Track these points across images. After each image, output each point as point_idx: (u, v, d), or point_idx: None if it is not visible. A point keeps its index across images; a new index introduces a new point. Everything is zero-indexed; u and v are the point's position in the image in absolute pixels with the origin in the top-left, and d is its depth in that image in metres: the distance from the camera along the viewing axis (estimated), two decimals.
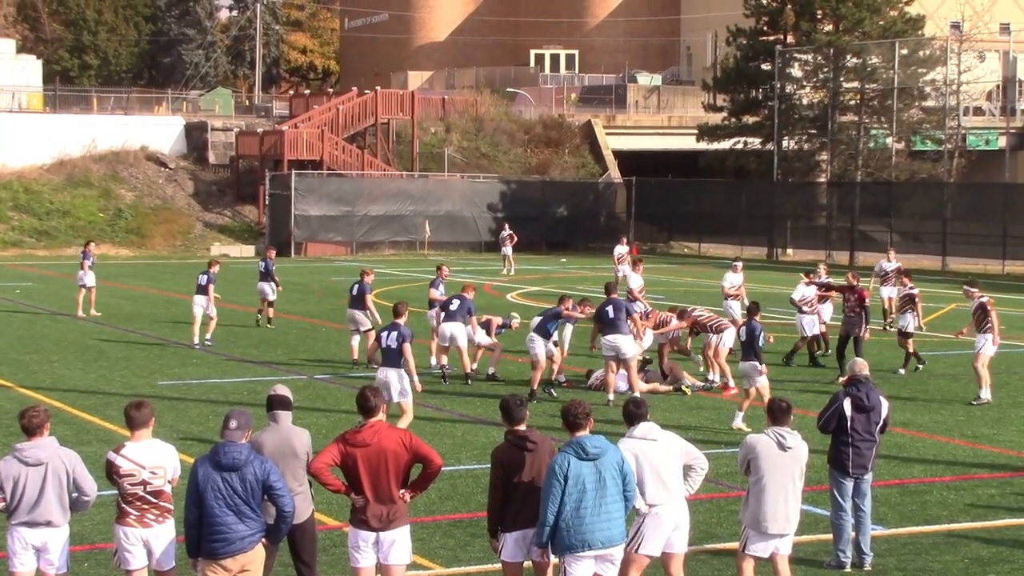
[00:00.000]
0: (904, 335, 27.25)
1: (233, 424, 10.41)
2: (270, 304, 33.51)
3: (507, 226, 56.77)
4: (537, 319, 23.75)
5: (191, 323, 30.23)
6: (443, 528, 14.68)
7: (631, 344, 22.31)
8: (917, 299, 27.52)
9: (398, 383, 19.03)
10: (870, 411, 13.36)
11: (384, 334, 19.45)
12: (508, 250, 54.01)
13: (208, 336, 29.98)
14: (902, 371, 26.99)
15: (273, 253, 35.28)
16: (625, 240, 45.03)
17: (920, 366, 27.17)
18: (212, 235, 64.95)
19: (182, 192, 67.17)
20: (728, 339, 23.95)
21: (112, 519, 10.95)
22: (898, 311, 27.92)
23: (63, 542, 10.73)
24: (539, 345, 23.03)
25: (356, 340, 27.09)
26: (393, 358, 19.15)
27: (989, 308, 23.50)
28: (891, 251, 38.38)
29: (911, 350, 27.20)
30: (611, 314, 22.23)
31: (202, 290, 30.11)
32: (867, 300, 26.54)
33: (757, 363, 20.42)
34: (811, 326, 27.57)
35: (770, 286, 46.07)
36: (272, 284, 33.28)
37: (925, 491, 16.78)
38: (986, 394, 23.30)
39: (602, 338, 22.39)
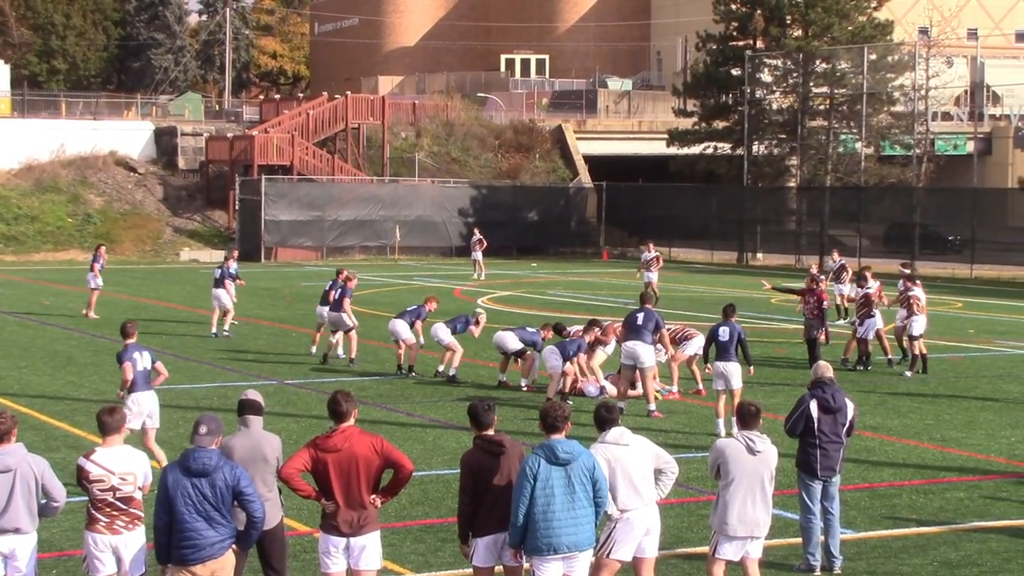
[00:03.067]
0: (911, 337, 27.37)
1: (203, 430, 10.38)
2: (225, 313, 32.97)
3: (477, 231, 56.80)
4: (554, 345, 23.35)
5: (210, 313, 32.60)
6: (414, 533, 14.66)
7: (651, 354, 22.10)
8: (913, 300, 27.59)
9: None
10: (836, 412, 13.42)
11: None
12: (478, 255, 54.03)
13: (225, 328, 32.01)
14: (908, 373, 27.17)
15: (235, 254, 36.54)
16: (652, 246, 44.69)
17: (916, 370, 27.27)
18: (182, 240, 64.74)
19: (151, 197, 66.92)
20: (693, 346, 24.06)
21: (81, 525, 10.91)
22: (858, 311, 27.97)
23: (31, 549, 10.68)
24: (556, 358, 22.94)
25: (337, 336, 28.29)
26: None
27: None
28: (835, 251, 39.55)
29: (917, 351, 27.32)
30: (639, 321, 22.20)
31: (218, 283, 32.09)
32: (826, 303, 26.79)
33: (737, 364, 20.65)
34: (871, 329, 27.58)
35: (740, 290, 46.19)
36: (225, 290, 32.87)
37: (894, 495, 16.85)
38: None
39: (623, 344, 22.40)
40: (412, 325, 26.63)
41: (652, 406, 22.10)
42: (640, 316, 22.31)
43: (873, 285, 28.45)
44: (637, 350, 21.96)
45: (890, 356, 28.08)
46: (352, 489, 10.64)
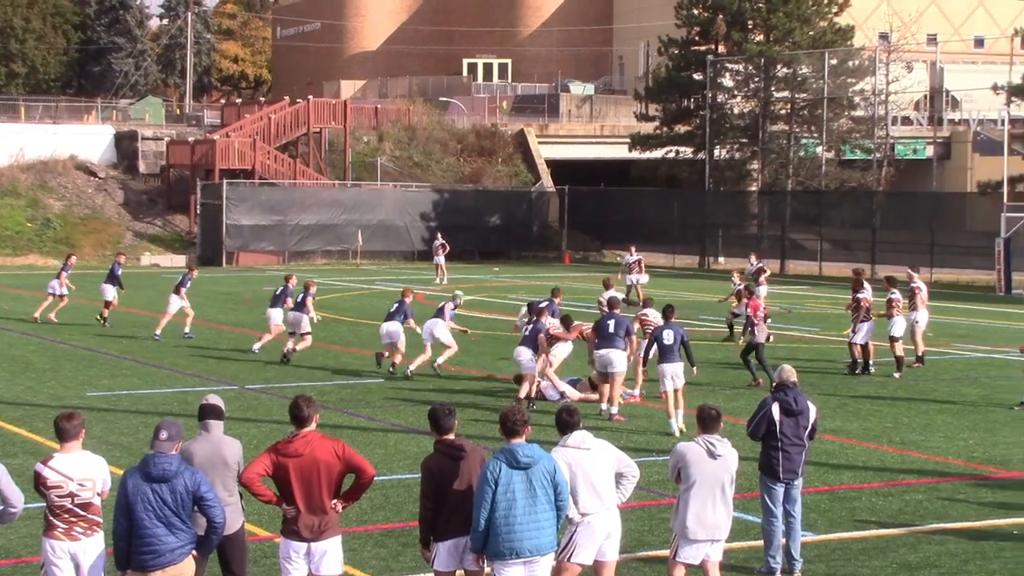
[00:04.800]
0: (891, 339, 27.76)
1: (163, 435, 10.33)
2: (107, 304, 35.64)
3: (440, 235, 56.81)
4: (521, 345, 23.29)
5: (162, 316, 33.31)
6: (375, 538, 14.64)
7: (624, 360, 22.32)
8: (895, 302, 27.95)
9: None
10: (798, 415, 13.47)
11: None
12: (441, 259, 54.02)
13: (187, 330, 32.86)
14: (897, 375, 27.50)
15: (123, 259, 38.91)
16: (634, 249, 44.88)
17: (898, 374, 27.54)
18: (143, 245, 64.43)
19: (112, 201, 66.59)
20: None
21: (39, 532, 10.83)
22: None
23: None
24: (529, 359, 22.97)
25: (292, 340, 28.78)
26: None
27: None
28: (753, 255, 40.35)
29: (899, 353, 27.68)
30: (611, 328, 22.38)
31: (176, 289, 33.33)
32: (760, 308, 26.91)
33: (681, 364, 21.04)
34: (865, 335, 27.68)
35: (702, 294, 46.32)
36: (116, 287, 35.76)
37: (854, 497, 16.93)
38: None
39: (597, 352, 22.48)
40: (405, 322, 27.02)
41: (615, 409, 22.23)
42: (611, 323, 22.51)
43: (866, 292, 28.41)
44: (611, 357, 22.14)
45: (859, 360, 28.08)
46: (313, 494, 10.61)
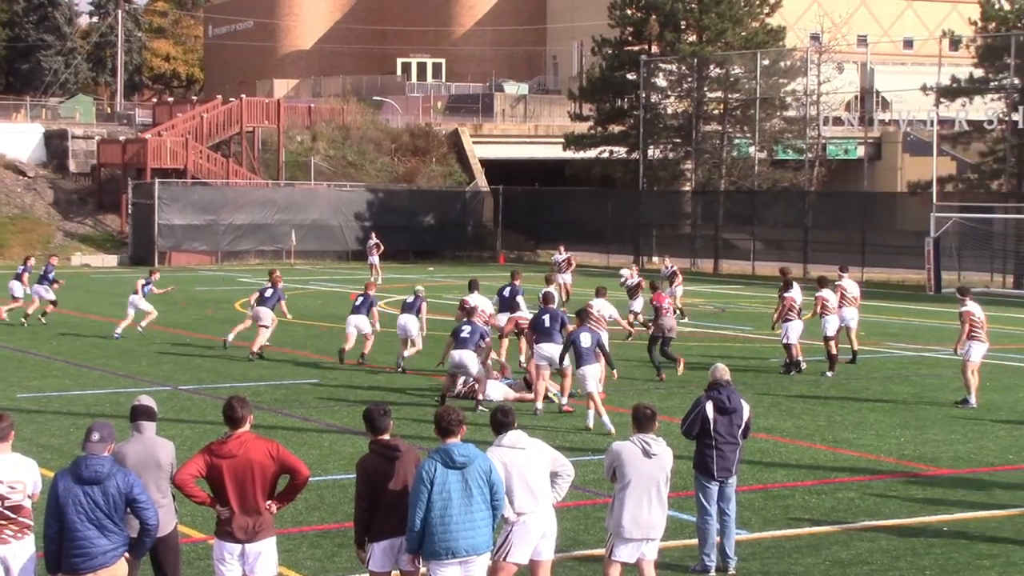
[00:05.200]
0: (825, 338, 28.00)
1: (95, 437, 10.23)
2: (52, 303, 36.23)
3: (374, 235, 56.69)
4: (467, 350, 23.18)
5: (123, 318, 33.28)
6: (310, 539, 14.58)
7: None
8: (819, 300, 28.06)
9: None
10: (732, 414, 13.55)
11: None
12: (375, 259, 53.90)
13: (143, 325, 33.06)
14: (829, 373, 27.72)
15: (55, 260, 39.72)
16: (563, 248, 45.24)
17: (830, 372, 27.74)
18: (73, 244, 63.78)
19: (41, 201, 65.87)
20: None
21: None
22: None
23: None
24: (475, 362, 23.19)
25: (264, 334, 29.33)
26: None
27: (965, 317, 24.10)
28: (666, 258, 43.45)
29: (833, 352, 27.92)
30: (547, 323, 22.81)
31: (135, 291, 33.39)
32: (664, 302, 27.49)
33: (597, 367, 21.53)
34: (795, 333, 27.81)
35: None
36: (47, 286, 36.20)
37: (787, 495, 17.05)
38: (972, 399, 24.00)
39: (537, 346, 22.80)
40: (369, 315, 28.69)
41: (564, 399, 22.82)
42: (546, 318, 22.89)
43: (793, 292, 28.57)
44: (552, 352, 22.42)
45: (797, 360, 28.26)
46: (247, 495, 10.56)
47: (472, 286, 27.17)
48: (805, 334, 28.16)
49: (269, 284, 30.02)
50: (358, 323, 28.54)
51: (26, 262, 38.55)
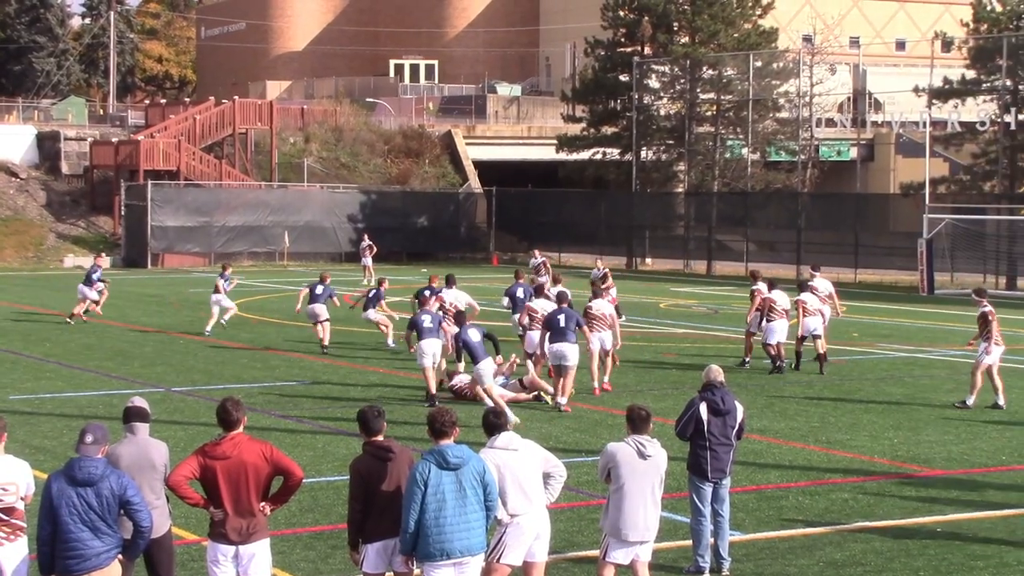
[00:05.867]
0: (801, 339, 28.39)
1: (89, 439, 10.22)
2: (95, 302, 36.89)
3: (367, 236, 56.68)
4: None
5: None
6: (304, 540, 14.56)
7: (576, 353, 23.14)
8: (799, 303, 28.28)
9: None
10: (726, 415, 13.55)
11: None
12: (368, 260, 53.88)
13: (226, 319, 34.54)
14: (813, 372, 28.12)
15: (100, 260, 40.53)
16: (538, 252, 45.31)
17: (778, 370, 27.83)
18: (66, 246, 63.71)
19: (34, 203, 65.79)
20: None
21: None
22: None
23: None
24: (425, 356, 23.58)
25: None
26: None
27: (990, 317, 24.02)
28: (598, 260, 43.46)
29: (822, 351, 28.21)
30: (562, 323, 23.13)
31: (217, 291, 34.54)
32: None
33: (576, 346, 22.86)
34: (772, 333, 27.94)
35: (629, 295, 46.45)
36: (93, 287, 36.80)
37: (781, 496, 17.06)
38: (971, 400, 23.95)
39: (550, 346, 23.12)
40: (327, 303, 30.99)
41: (563, 399, 22.95)
42: (562, 317, 23.27)
43: (774, 293, 28.65)
44: (564, 351, 22.93)
45: (783, 360, 28.36)
46: (241, 497, 10.55)
47: (449, 281, 27.71)
48: (776, 335, 28.08)
49: (319, 282, 31.97)
50: (318, 311, 31.13)
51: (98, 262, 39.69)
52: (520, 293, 28.85)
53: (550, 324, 23.36)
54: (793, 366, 28.34)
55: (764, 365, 28.43)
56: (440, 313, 24.97)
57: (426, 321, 23.61)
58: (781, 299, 28.13)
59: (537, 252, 45.10)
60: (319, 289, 31.57)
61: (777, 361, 27.83)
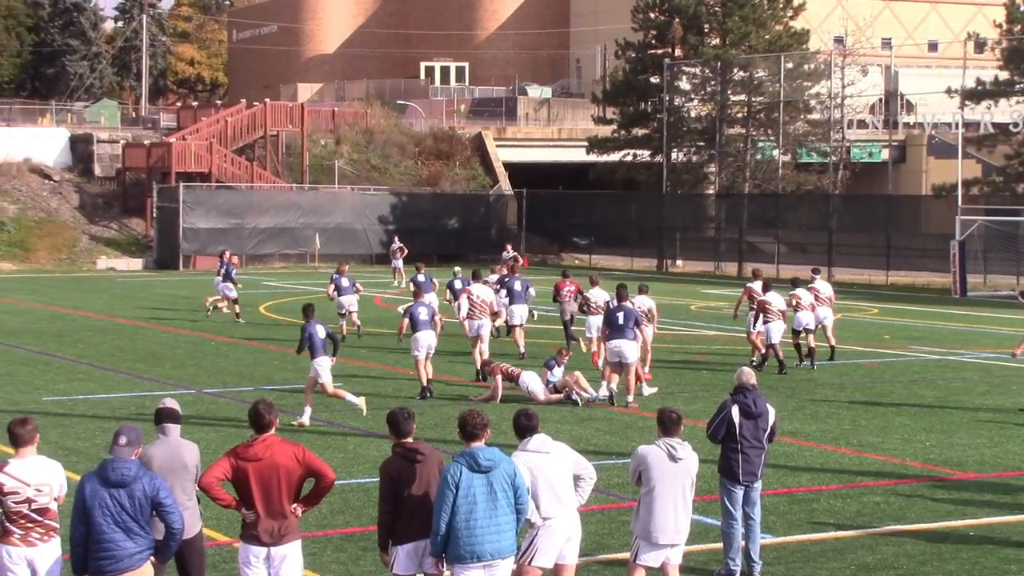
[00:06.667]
0: (795, 333, 28.95)
1: (123, 440, 10.27)
2: (235, 301, 38.22)
3: (397, 238, 56.73)
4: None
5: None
6: (335, 542, 14.59)
7: (635, 350, 23.58)
8: (795, 298, 28.71)
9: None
10: (758, 418, 13.51)
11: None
12: (399, 263, 53.91)
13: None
14: (806, 363, 28.74)
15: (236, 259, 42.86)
16: (510, 247, 45.73)
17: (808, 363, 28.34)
18: (98, 248, 64.02)
19: (67, 205, 66.14)
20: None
21: None
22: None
23: None
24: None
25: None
26: None
27: None
28: (508, 245, 44.21)
29: (811, 345, 28.77)
30: (620, 320, 23.51)
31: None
32: (564, 288, 31.46)
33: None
34: (776, 333, 28.06)
35: (661, 297, 46.39)
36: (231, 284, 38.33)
37: (812, 499, 17.00)
38: None
39: (608, 343, 23.59)
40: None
41: (630, 397, 23.44)
42: (620, 315, 23.63)
43: (769, 294, 28.80)
44: (623, 348, 23.30)
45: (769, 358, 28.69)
46: (273, 498, 10.57)
47: (475, 276, 29.26)
48: (775, 334, 28.15)
49: (338, 274, 34.06)
50: (347, 302, 33.12)
51: (226, 258, 40.57)
52: (517, 286, 30.99)
53: (609, 321, 23.80)
54: (798, 363, 28.74)
55: (800, 368, 28.33)
56: (469, 303, 27.30)
57: (422, 313, 24.34)
58: (776, 300, 28.27)
59: (510, 247, 45.78)
60: (344, 281, 33.34)
61: (764, 359, 28.20)
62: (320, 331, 22.00)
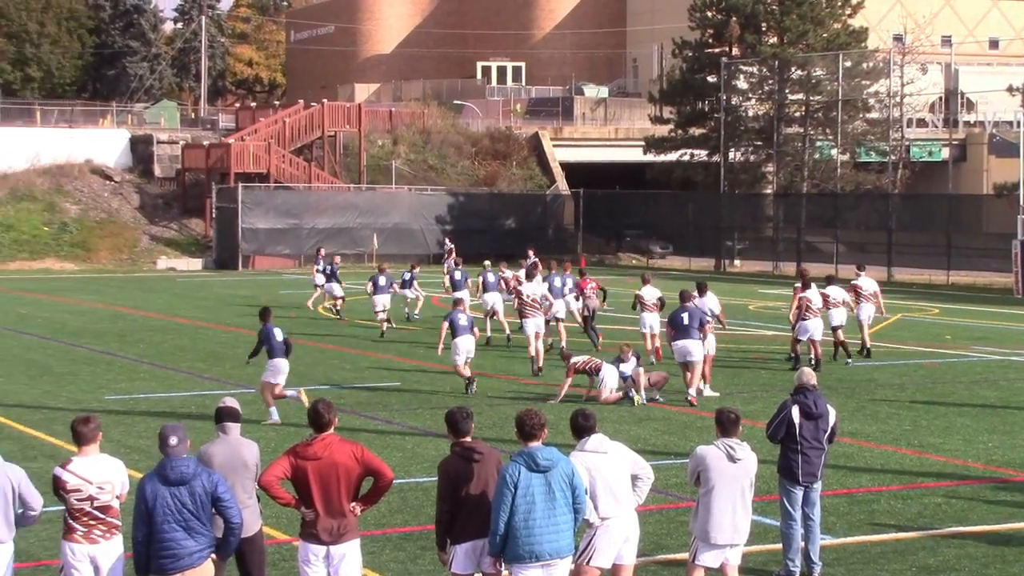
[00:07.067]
0: (834, 330, 29.16)
1: (173, 440, 10.35)
2: (341, 298, 39.51)
3: (448, 240, 56.62)
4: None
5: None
6: (393, 541, 14.63)
7: (700, 349, 23.96)
8: (806, 302, 28.41)
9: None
10: (818, 419, 13.42)
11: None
12: (452, 266, 53.72)
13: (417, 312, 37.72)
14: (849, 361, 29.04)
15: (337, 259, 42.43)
16: (532, 253, 45.87)
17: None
18: (158, 248, 64.56)
19: (128, 205, 66.74)
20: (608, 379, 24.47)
21: (58, 535, 10.85)
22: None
23: (8, 558, 10.62)
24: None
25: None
26: None
27: None
28: (530, 250, 44.93)
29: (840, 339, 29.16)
30: (685, 321, 23.91)
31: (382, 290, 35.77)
32: (587, 287, 32.38)
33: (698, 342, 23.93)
34: (805, 331, 28.19)
35: (718, 297, 46.19)
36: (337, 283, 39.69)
37: (873, 500, 16.88)
38: None
39: (673, 343, 24.08)
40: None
41: (692, 391, 23.86)
42: (685, 316, 23.96)
43: (809, 292, 28.82)
44: (689, 347, 23.81)
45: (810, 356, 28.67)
46: (332, 497, 10.61)
47: (529, 275, 30.14)
48: (809, 332, 28.18)
49: (379, 273, 35.74)
50: (382, 301, 34.90)
51: (317, 253, 42.57)
52: (557, 283, 32.22)
53: (674, 322, 24.06)
54: (846, 357, 29.16)
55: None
56: (520, 302, 28.57)
57: (461, 319, 24.82)
58: (815, 298, 28.39)
59: (532, 252, 45.99)
60: (382, 280, 34.94)
61: (809, 358, 28.03)
62: (278, 334, 22.28)
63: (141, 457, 18.22)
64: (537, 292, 29.03)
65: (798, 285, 29.31)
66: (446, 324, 24.97)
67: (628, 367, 23.99)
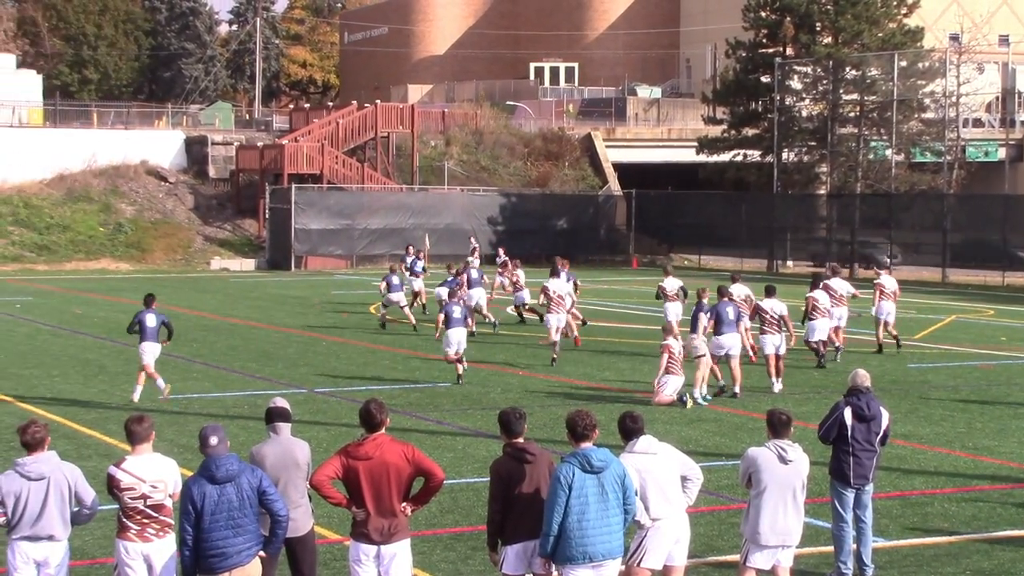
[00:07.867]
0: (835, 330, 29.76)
1: (214, 440, 10.43)
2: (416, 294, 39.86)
3: (503, 251, 55.68)
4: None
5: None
6: (444, 541, 14.67)
7: (739, 344, 24.98)
8: (813, 302, 28.92)
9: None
10: (871, 421, 13.34)
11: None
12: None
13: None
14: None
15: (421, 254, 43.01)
16: (502, 251, 46.21)
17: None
18: (212, 249, 64.96)
19: (182, 206, 67.20)
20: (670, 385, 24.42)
21: (112, 534, 10.95)
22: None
23: (63, 556, 10.74)
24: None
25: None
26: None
27: None
28: (501, 249, 45.67)
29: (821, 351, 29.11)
30: (730, 315, 24.93)
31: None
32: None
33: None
34: (813, 331, 28.73)
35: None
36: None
37: (926, 502, 16.76)
38: None
39: (714, 338, 24.81)
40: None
41: (736, 387, 24.61)
42: (729, 310, 24.96)
43: (816, 292, 29.13)
44: (730, 342, 24.73)
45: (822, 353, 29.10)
46: (383, 497, 10.64)
47: (554, 272, 30.83)
48: (818, 332, 28.77)
49: (391, 272, 36.64)
50: (397, 298, 35.96)
51: (414, 253, 42.33)
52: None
53: (718, 316, 24.79)
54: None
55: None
56: (546, 298, 29.44)
57: (455, 312, 26.02)
58: (823, 297, 28.87)
59: (502, 251, 45.82)
60: (395, 279, 36.02)
61: (821, 358, 28.63)
62: (150, 319, 23.48)
63: (194, 456, 18.26)
64: (562, 289, 29.94)
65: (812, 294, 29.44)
66: (441, 316, 26.41)
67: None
